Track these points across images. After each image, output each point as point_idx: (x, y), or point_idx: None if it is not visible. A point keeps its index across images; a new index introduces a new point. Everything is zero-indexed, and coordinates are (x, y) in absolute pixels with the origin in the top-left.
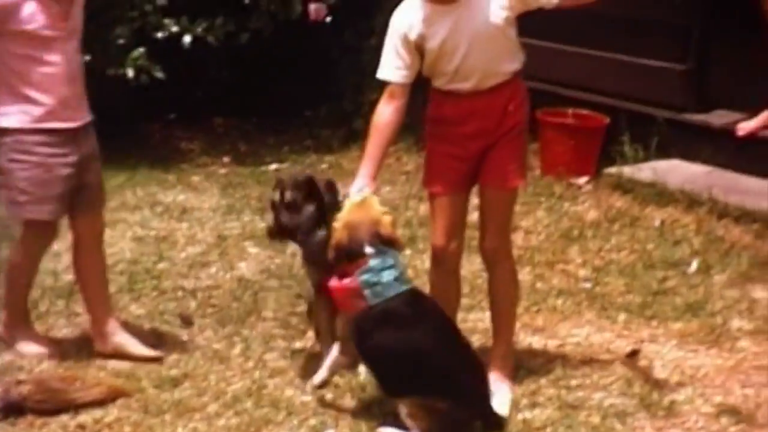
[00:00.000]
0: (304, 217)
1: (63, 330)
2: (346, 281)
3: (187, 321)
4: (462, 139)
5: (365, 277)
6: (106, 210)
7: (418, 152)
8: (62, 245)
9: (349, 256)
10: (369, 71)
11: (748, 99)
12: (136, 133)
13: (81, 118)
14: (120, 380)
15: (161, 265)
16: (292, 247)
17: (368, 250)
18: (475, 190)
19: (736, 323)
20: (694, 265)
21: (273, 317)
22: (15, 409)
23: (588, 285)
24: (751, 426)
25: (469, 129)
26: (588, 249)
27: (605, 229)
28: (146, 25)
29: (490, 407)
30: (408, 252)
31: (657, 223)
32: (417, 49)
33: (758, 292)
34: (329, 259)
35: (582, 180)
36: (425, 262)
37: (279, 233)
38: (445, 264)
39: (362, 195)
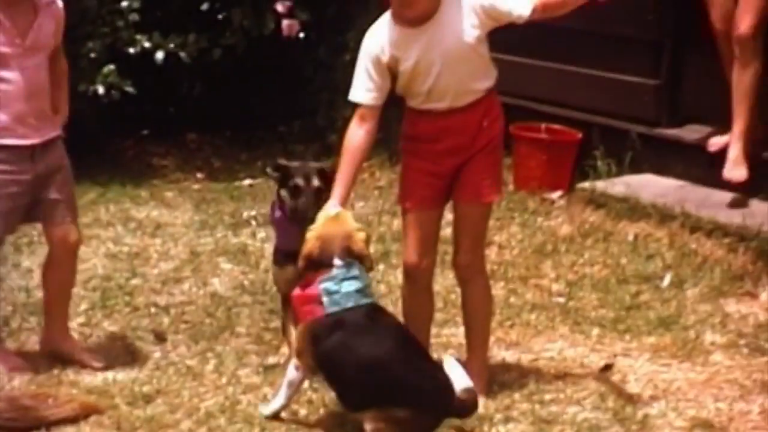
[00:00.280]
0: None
1: (35, 347)
2: (308, 289)
3: (160, 337)
4: (437, 156)
5: (326, 285)
6: (78, 226)
7: (392, 167)
8: (34, 261)
9: (318, 267)
10: (342, 87)
11: (720, 114)
12: (108, 149)
13: (41, 135)
14: (92, 397)
15: (134, 281)
16: (265, 263)
17: (337, 262)
18: (449, 206)
19: (708, 337)
20: (667, 280)
21: (246, 333)
22: None
23: (561, 299)
24: None
25: (445, 146)
26: (561, 264)
27: (578, 243)
28: (118, 41)
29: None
30: (381, 267)
31: (630, 237)
32: (390, 70)
33: (731, 306)
34: (298, 268)
35: (555, 195)
36: (398, 277)
37: (301, 218)
38: (417, 280)
39: (337, 210)
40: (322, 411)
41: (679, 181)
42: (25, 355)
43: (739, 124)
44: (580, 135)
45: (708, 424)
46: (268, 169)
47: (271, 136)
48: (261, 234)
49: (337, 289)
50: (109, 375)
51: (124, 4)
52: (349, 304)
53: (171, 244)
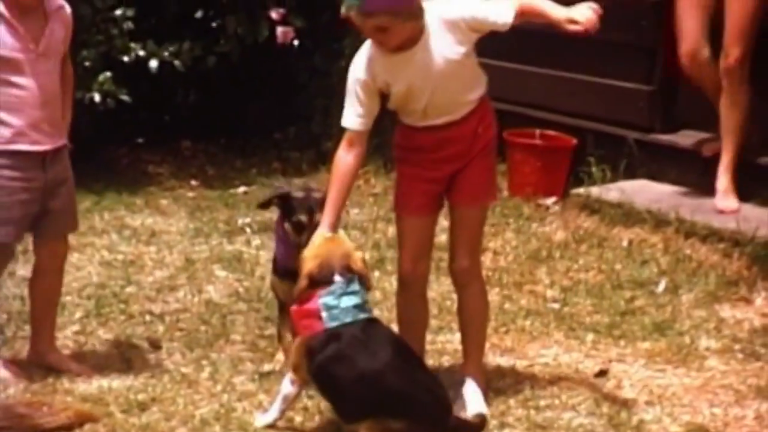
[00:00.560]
0: None
1: None
2: (308, 304)
3: (155, 345)
4: (436, 163)
5: (325, 299)
6: (73, 234)
7: (387, 174)
8: (29, 270)
9: (317, 285)
10: (338, 94)
11: (714, 119)
12: (103, 156)
13: (53, 141)
14: (87, 405)
15: (129, 289)
16: (261, 270)
17: (337, 278)
18: (443, 213)
19: (703, 342)
20: (661, 285)
21: (241, 340)
22: None
23: (556, 305)
24: None
25: (444, 155)
26: (556, 269)
27: (573, 249)
28: (112, 49)
29: (455, 420)
30: (376, 274)
31: (625, 243)
32: (381, 93)
33: (726, 311)
34: (298, 290)
35: (550, 201)
36: (393, 284)
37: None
38: (412, 287)
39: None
40: (317, 419)
41: (674, 187)
42: (20, 364)
43: (727, 156)
44: (574, 141)
45: (703, 429)
46: (275, 200)
47: (266, 144)
48: (256, 241)
49: (336, 303)
50: (104, 383)
51: (118, 12)
52: (348, 319)
53: (166, 252)
